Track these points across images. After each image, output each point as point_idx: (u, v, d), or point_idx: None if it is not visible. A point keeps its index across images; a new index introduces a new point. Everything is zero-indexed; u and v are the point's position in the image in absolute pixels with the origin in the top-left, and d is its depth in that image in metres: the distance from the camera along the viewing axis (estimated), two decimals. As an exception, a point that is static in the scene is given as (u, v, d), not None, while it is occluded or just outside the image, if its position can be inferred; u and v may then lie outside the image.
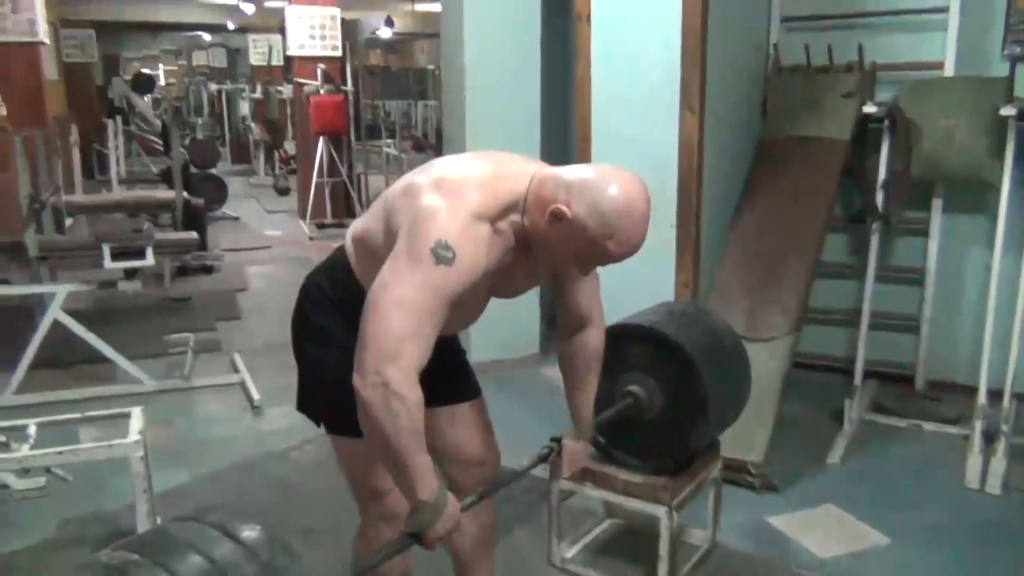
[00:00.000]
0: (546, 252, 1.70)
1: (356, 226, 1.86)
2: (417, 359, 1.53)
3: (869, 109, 3.83)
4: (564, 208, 1.58)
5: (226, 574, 1.23)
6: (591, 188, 1.59)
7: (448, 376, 2.01)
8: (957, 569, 2.69)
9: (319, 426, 1.91)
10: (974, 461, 3.24)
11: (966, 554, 2.78)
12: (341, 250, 1.87)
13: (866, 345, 3.89)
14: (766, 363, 3.38)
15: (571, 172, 1.65)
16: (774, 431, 3.29)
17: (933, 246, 4.00)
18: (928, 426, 3.74)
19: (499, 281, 1.77)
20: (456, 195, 1.60)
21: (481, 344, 4.07)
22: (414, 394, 1.52)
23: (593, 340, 2.03)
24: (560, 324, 2.03)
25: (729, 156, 3.97)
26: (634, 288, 3.38)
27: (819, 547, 2.81)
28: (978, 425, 3.31)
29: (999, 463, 3.19)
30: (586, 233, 1.58)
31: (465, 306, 1.76)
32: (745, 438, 3.16)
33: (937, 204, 3.98)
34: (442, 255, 1.53)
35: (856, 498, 3.14)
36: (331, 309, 1.83)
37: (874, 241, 3.94)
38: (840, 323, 4.27)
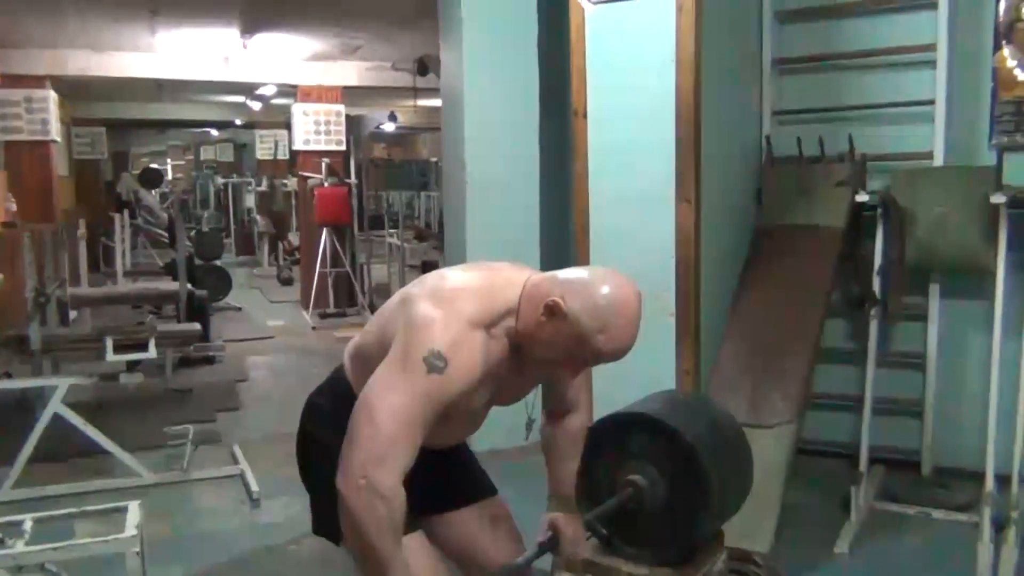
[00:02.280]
0: (536, 352, 1.73)
1: (353, 342, 1.91)
2: (403, 463, 1.56)
3: (862, 198, 3.90)
4: (559, 301, 1.63)
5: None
6: (586, 284, 1.65)
7: (464, 478, 2.07)
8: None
9: (339, 545, 1.86)
10: (985, 550, 3.17)
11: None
12: (340, 368, 1.92)
13: (870, 431, 3.86)
14: (770, 450, 3.36)
15: (566, 272, 1.71)
16: (780, 519, 3.25)
17: (933, 331, 4.01)
18: (937, 513, 3.67)
19: (499, 387, 1.79)
20: (450, 304, 1.65)
21: (480, 434, 4.04)
22: (397, 496, 1.56)
23: (575, 423, 2.09)
24: (547, 408, 2.07)
25: (726, 244, 4.03)
26: (635, 377, 3.38)
27: (830, 641, 2.74)
28: (987, 512, 3.26)
29: (1011, 551, 3.13)
30: (579, 328, 1.62)
31: (468, 415, 1.80)
32: (751, 527, 3.11)
33: (934, 289, 4.01)
34: (434, 364, 1.58)
35: (867, 590, 3.08)
36: (334, 426, 1.82)
37: (873, 327, 3.95)
38: (843, 408, 4.24)
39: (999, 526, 3.23)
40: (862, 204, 3.92)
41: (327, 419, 1.85)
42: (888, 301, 3.91)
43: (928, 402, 4.03)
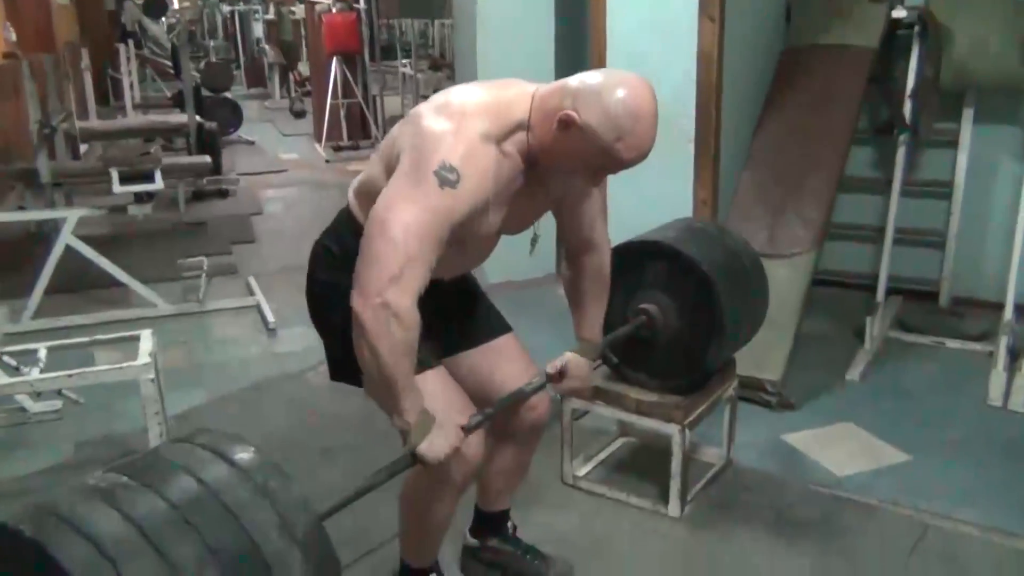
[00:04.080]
0: (555, 166, 1.65)
1: (358, 179, 1.82)
2: (419, 283, 1.51)
3: (899, 14, 3.65)
4: (572, 114, 1.53)
5: (217, 496, 1.21)
6: (598, 92, 1.54)
7: (478, 316, 2.01)
8: (977, 486, 2.64)
9: (360, 387, 1.80)
10: (998, 378, 3.17)
11: (987, 471, 2.73)
12: (345, 210, 1.83)
13: (890, 261, 3.79)
14: (787, 279, 3.30)
15: (576, 79, 1.59)
16: (793, 349, 3.23)
17: (962, 158, 3.85)
18: (951, 343, 3.65)
19: (510, 211, 1.71)
20: (460, 118, 1.56)
21: (496, 266, 4.01)
22: (412, 316, 1.51)
23: (597, 262, 2.00)
24: (565, 247, 2.00)
25: (751, 67, 3.81)
26: (652, 205, 3.31)
27: (836, 464, 2.78)
28: (1003, 341, 3.24)
29: (1024, 379, 3.12)
30: (596, 139, 1.53)
31: (479, 240, 1.72)
32: (763, 356, 3.10)
33: (968, 114, 3.82)
34: (446, 177, 1.50)
35: (876, 415, 3.09)
36: (343, 268, 1.72)
37: (901, 153, 3.80)
38: (864, 239, 4.15)
39: (1014, 355, 3.21)
40: (898, 21, 3.68)
41: (336, 260, 1.78)
42: (918, 126, 3.74)
43: (952, 231, 3.93)
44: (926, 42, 3.64)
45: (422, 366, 1.79)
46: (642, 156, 1.57)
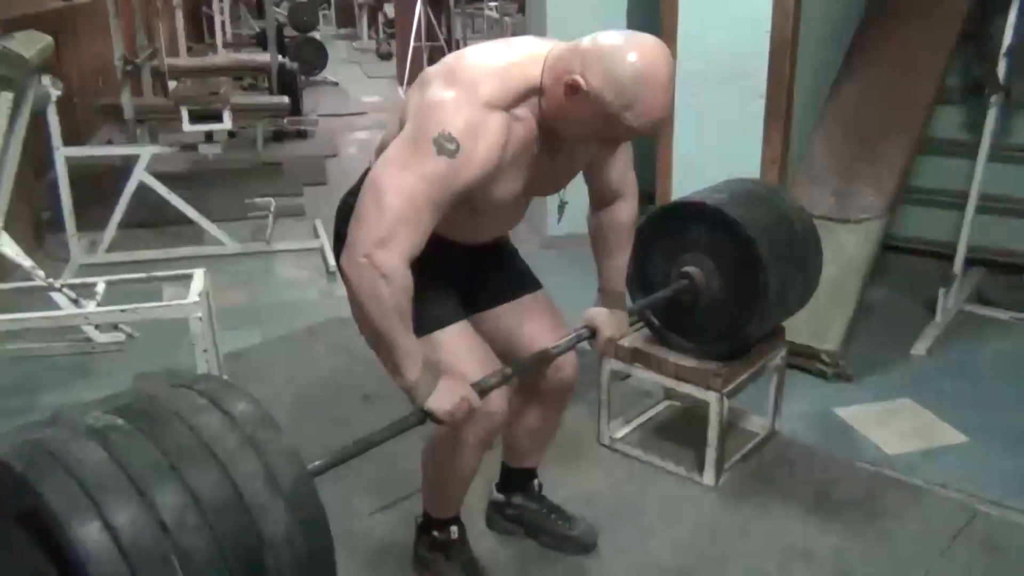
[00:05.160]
0: (566, 132, 1.59)
1: (379, 140, 1.79)
2: (408, 246, 1.49)
3: (999, -35, 3.38)
4: (579, 79, 1.46)
5: (206, 444, 1.22)
6: (607, 56, 1.47)
7: (507, 274, 1.99)
8: (1034, 475, 2.50)
9: None
10: (1076, 360, 2.98)
11: (1048, 459, 2.58)
12: (368, 169, 1.81)
13: (973, 230, 3.57)
14: (853, 246, 3.17)
15: (588, 40, 1.52)
16: (856, 319, 3.11)
17: (1060, 123, 3.59)
18: (1032, 320, 3.46)
19: (533, 175, 1.66)
20: (466, 85, 1.52)
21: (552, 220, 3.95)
22: (401, 277, 1.49)
23: (623, 213, 1.95)
24: (591, 196, 1.95)
25: (831, 19, 3.60)
26: (717, 162, 3.18)
27: (887, 443, 2.67)
28: (1087, 321, 3.04)
29: (1105, 364, 2.93)
30: (603, 105, 1.47)
31: (501, 206, 1.69)
32: (820, 325, 2.99)
33: (1070, 76, 3.54)
34: (444, 146, 1.47)
35: (938, 393, 2.95)
36: None
37: (991, 116, 3.54)
38: (945, 205, 3.93)
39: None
40: (998, -27, 3.41)
41: None
42: (1012, 87, 3.48)
43: (1043, 201, 3.69)
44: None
45: (442, 322, 1.78)
46: (653, 124, 1.50)
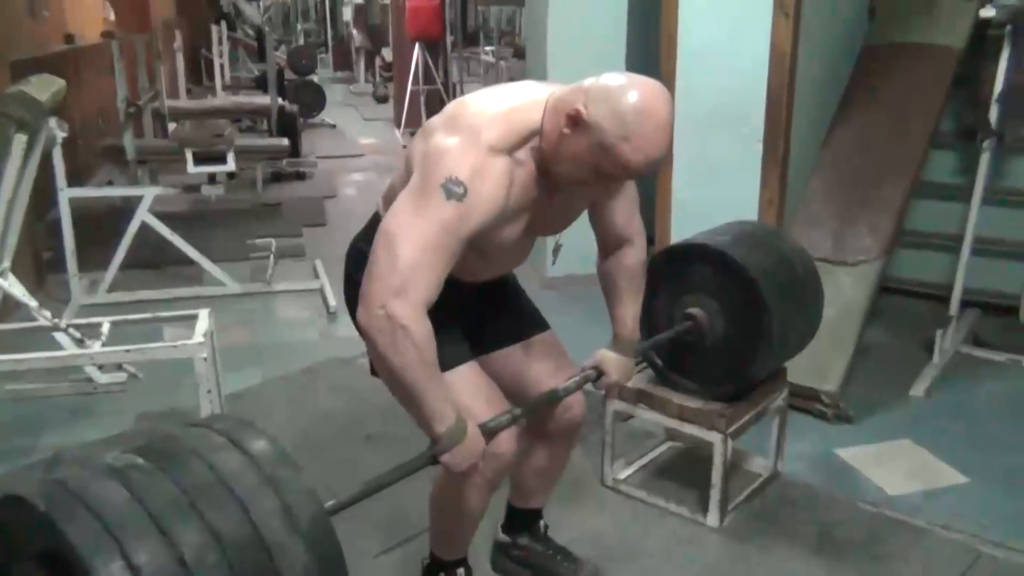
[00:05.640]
0: (562, 170, 1.61)
1: (386, 184, 1.82)
2: (424, 294, 1.50)
3: (988, 13, 3.46)
4: (581, 108, 1.50)
5: (225, 482, 1.23)
6: (610, 90, 1.52)
7: (515, 314, 2.01)
8: (1037, 515, 2.52)
9: None
10: (1074, 402, 3.01)
11: (1050, 500, 2.59)
12: (375, 214, 1.85)
13: (967, 272, 3.62)
14: (849, 288, 3.20)
15: (591, 80, 1.56)
16: (855, 360, 3.13)
17: (1052, 167, 3.66)
18: (1029, 361, 3.49)
19: (535, 216, 1.70)
20: (469, 131, 1.55)
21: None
22: (421, 327, 1.50)
23: (631, 258, 1.97)
24: (598, 242, 1.97)
25: (827, 65, 3.68)
26: (716, 205, 3.23)
27: (889, 483, 2.68)
28: (1083, 363, 3.07)
29: (1103, 405, 2.95)
30: (602, 137, 1.50)
31: (506, 246, 1.71)
32: (820, 366, 3.02)
33: (1059, 121, 3.62)
34: (453, 191, 1.50)
35: (937, 434, 2.96)
36: None
37: (984, 160, 3.61)
38: (940, 247, 3.98)
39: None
40: (988, 21, 3.49)
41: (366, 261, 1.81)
42: (1005, 132, 3.56)
43: (1036, 243, 3.74)
44: (1018, 43, 3.45)
45: (452, 363, 1.80)
46: (651, 162, 1.53)
